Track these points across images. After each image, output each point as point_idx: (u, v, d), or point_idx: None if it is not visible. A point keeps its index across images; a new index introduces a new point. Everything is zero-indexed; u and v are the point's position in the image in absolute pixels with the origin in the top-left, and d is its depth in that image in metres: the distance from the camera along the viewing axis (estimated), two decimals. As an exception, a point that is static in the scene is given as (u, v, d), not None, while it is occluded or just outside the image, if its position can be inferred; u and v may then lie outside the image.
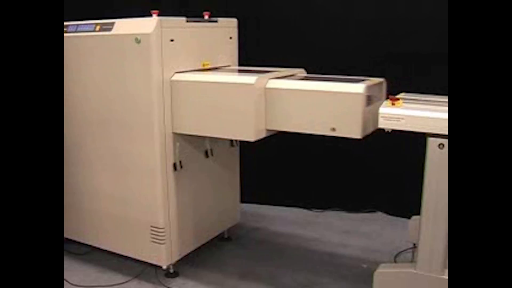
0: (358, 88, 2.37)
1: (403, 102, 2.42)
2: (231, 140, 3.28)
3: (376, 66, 3.67)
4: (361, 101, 2.35)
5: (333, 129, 2.42)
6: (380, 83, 2.66)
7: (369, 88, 2.42)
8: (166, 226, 2.86)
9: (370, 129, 2.48)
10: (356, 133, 2.39)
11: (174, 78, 2.74)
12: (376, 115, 2.36)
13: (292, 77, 2.79)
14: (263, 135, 2.61)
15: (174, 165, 2.83)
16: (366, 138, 2.48)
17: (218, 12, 3.12)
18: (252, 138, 2.56)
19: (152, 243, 2.89)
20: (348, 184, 4.00)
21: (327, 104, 2.41)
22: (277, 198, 4.19)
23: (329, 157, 4.00)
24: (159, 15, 2.67)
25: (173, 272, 3.03)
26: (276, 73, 2.75)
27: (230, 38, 3.19)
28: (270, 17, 3.92)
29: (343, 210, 4.06)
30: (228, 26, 3.16)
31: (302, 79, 2.71)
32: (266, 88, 2.55)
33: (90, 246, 3.24)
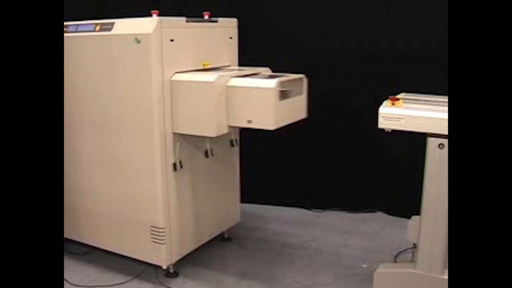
0: (270, 83, 2.57)
1: (403, 102, 2.43)
2: (231, 140, 3.29)
3: (376, 66, 3.69)
4: (273, 95, 2.56)
5: (249, 121, 2.65)
6: (300, 79, 2.85)
7: (282, 83, 2.63)
8: (166, 226, 2.86)
9: (286, 122, 2.73)
10: (269, 125, 2.62)
11: (174, 78, 2.74)
12: (294, 108, 2.75)
13: (256, 75, 2.88)
14: (225, 131, 2.74)
15: (174, 165, 2.83)
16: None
17: (218, 12, 3.12)
18: (212, 134, 2.70)
19: (152, 243, 2.89)
20: (348, 184, 4.00)
21: (245, 98, 2.64)
22: (277, 198, 4.19)
23: (329, 157, 4.00)
24: (159, 15, 2.67)
25: (173, 272, 3.03)
26: (241, 71, 2.86)
27: (230, 38, 3.19)
28: (270, 17, 3.92)
29: (343, 210, 4.05)
30: (228, 26, 3.16)
31: (267, 77, 2.80)
32: (227, 86, 2.68)
33: (90, 246, 3.24)
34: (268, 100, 2.58)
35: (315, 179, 4.07)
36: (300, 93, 2.87)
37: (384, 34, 3.65)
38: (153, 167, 2.78)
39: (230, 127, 2.75)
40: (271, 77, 2.72)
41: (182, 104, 2.74)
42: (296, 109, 2.84)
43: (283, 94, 2.67)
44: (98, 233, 3.15)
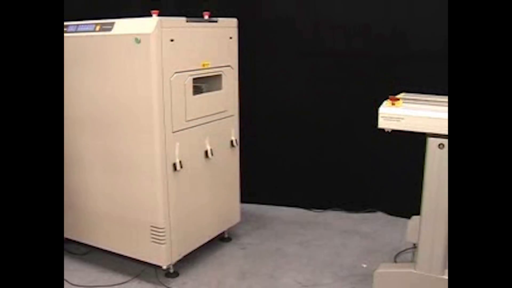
0: (185, 79, 2.84)
1: (403, 102, 2.43)
2: (231, 140, 3.29)
3: (376, 66, 3.69)
4: (186, 90, 2.85)
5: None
6: (218, 75, 3.12)
7: (195, 79, 2.92)
8: (166, 226, 2.86)
9: (201, 114, 3.00)
10: (184, 117, 2.87)
11: (174, 78, 2.74)
12: (210, 102, 3.06)
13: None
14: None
15: (174, 165, 2.83)
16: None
17: (218, 12, 3.12)
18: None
19: (152, 243, 2.89)
20: (348, 184, 4.00)
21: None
22: (277, 198, 4.19)
23: (329, 157, 4.00)
24: (159, 15, 2.67)
25: (173, 272, 3.03)
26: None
27: (230, 38, 3.19)
28: (270, 17, 3.92)
29: (343, 210, 4.06)
30: (228, 26, 3.16)
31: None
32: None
33: (90, 246, 3.24)
34: (182, 93, 2.83)
35: (315, 179, 4.07)
36: (219, 89, 3.13)
37: (384, 34, 3.65)
38: (153, 167, 2.78)
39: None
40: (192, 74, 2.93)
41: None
42: (212, 103, 3.11)
43: (198, 89, 3.00)
44: (98, 233, 3.15)
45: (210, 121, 3.08)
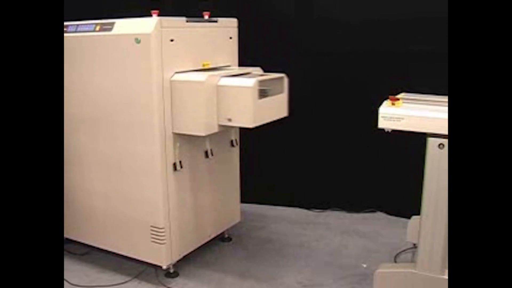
0: (249, 82, 2.63)
1: (403, 102, 2.43)
2: (231, 140, 3.29)
3: (376, 66, 3.69)
4: (252, 94, 2.62)
5: (229, 120, 2.70)
6: (280, 78, 2.92)
7: (261, 82, 2.71)
8: (166, 226, 2.86)
9: (266, 120, 2.78)
10: (248, 123, 2.67)
11: (174, 78, 2.74)
12: (274, 107, 2.85)
13: (244, 75, 2.89)
14: (214, 130, 2.75)
15: (174, 165, 2.83)
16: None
17: (218, 12, 3.12)
18: (202, 133, 2.72)
19: (152, 243, 2.89)
20: (348, 184, 4.00)
21: (227, 97, 2.68)
22: (277, 198, 4.19)
23: (329, 157, 4.00)
24: (159, 15, 2.67)
25: (173, 272, 3.03)
26: (232, 71, 2.89)
27: (230, 38, 3.19)
28: (270, 17, 3.92)
29: (343, 210, 4.06)
30: (228, 26, 3.16)
31: (250, 77, 2.83)
32: (218, 86, 2.70)
33: (90, 246, 3.24)
34: (247, 98, 2.63)
35: (315, 179, 4.07)
36: (281, 92, 2.94)
37: (384, 34, 3.65)
38: (153, 167, 2.78)
39: (220, 126, 2.77)
40: (254, 76, 2.77)
41: (179, 104, 2.75)
42: (276, 107, 2.91)
43: (263, 93, 2.77)
44: (97, 233, 3.15)
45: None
